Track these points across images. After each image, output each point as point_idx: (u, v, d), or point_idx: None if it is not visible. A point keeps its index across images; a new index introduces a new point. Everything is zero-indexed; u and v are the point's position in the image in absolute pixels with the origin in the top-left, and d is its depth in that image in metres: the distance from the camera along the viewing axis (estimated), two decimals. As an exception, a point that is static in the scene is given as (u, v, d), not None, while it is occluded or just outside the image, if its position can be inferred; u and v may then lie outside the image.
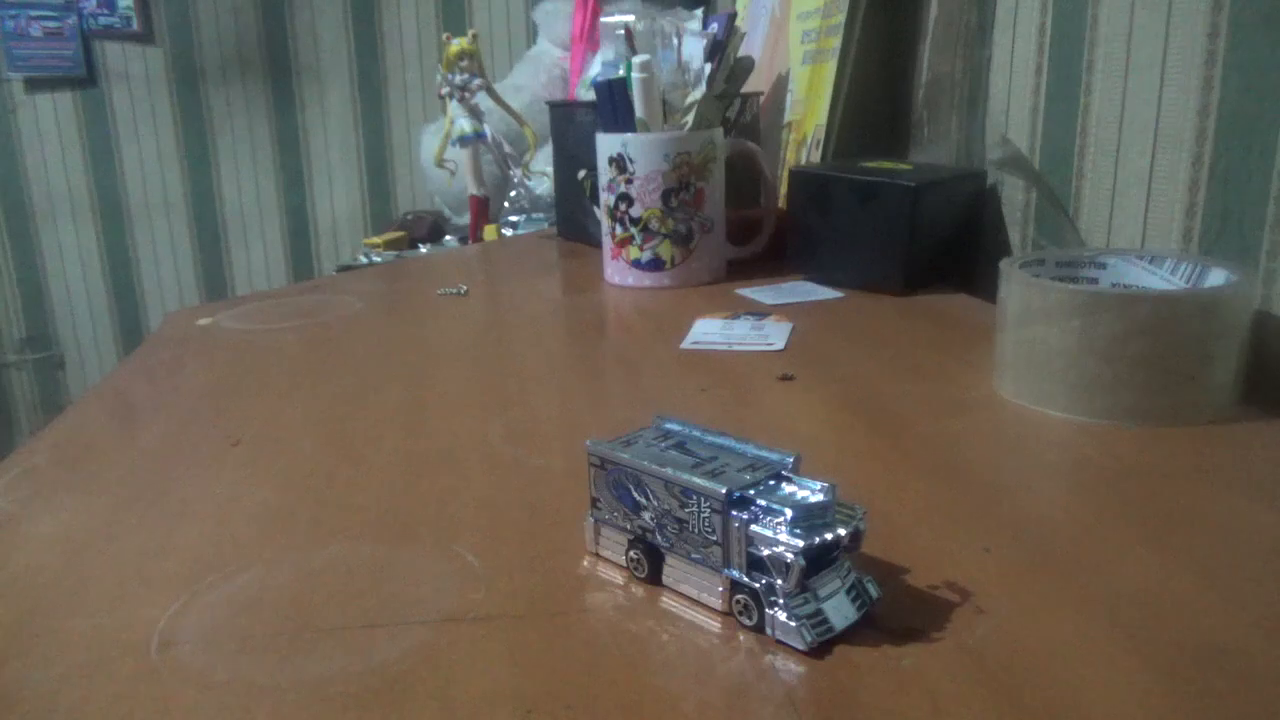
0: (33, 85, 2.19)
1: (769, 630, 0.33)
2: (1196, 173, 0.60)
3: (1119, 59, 0.66)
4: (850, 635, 0.33)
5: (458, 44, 1.40)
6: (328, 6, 2.20)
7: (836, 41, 0.91)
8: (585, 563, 0.39)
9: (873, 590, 0.34)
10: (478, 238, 1.45)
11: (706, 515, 0.34)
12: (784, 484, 0.34)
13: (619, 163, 0.84)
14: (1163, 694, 0.29)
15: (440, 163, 1.49)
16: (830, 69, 0.92)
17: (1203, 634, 0.32)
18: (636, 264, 0.86)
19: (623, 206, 0.85)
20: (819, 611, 0.33)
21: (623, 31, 0.87)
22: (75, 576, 0.39)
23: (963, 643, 0.32)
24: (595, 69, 1.29)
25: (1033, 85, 0.77)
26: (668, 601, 0.36)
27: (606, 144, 0.85)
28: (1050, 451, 0.49)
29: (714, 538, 0.34)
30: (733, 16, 0.86)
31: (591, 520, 0.39)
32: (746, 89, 0.93)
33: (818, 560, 0.33)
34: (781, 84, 1.04)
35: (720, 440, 0.38)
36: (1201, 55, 0.58)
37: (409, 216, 1.93)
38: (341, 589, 0.37)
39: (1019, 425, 0.52)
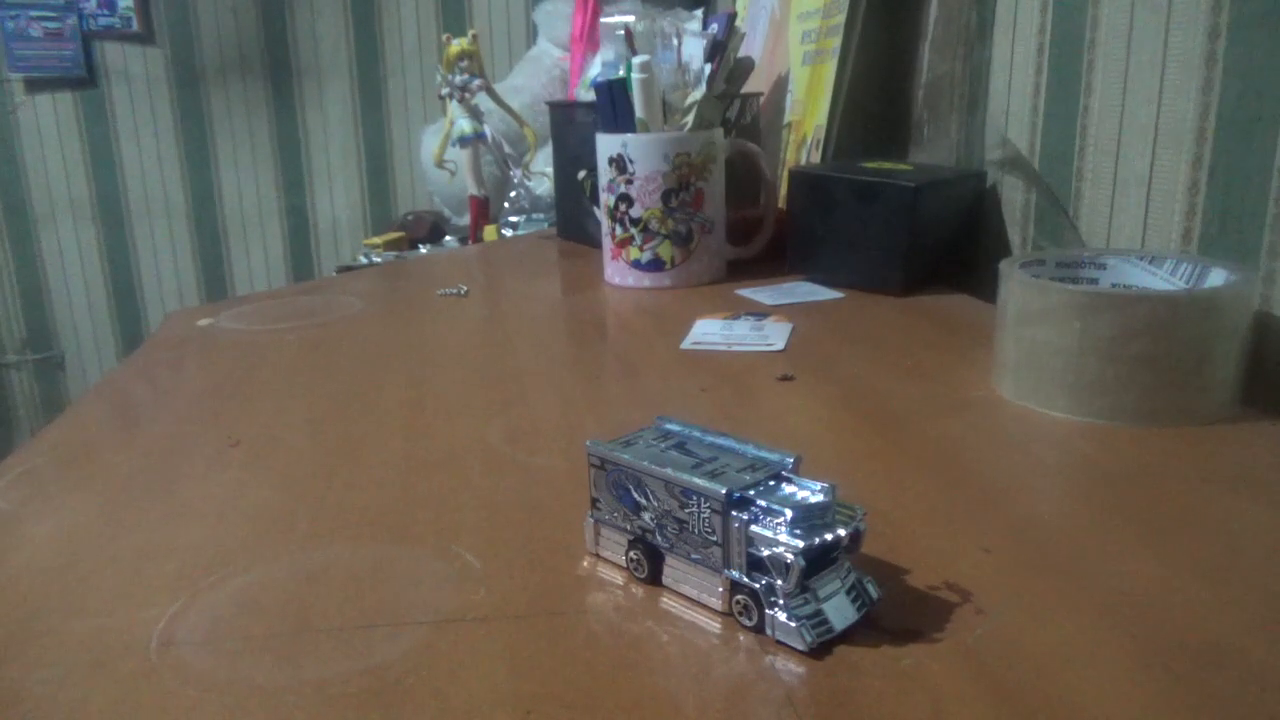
0: (33, 85, 2.19)
1: (769, 631, 0.33)
2: (1196, 173, 0.60)
3: (1119, 59, 0.66)
4: (850, 635, 0.33)
5: (458, 44, 1.40)
6: (328, 6, 2.20)
7: (836, 42, 0.91)
8: (585, 563, 0.39)
9: (873, 591, 0.34)
10: (478, 238, 1.45)
11: (706, 516, 0.34)
12: (784, 484, 0.34)
13: (619, 163, 0.84)
14: (1163, 694, 0.29)
15: (440, 163, 1.49)
16: (830, 69, 0.92)
17: (1203, 634, 0.32)
18: (636, 264, 0.86)
19: (623, 207, 0.85)
20: (819, 612, 0.33)
21: (623, 32, 0.87)
22: (75, 576, 0.39)
23: (963, 643, 0.32)
24: (595, 69, 1.29)
25: (1033, 85, 0.77)
26: (668, 602, 0.36)
27: (606, 144, 0.85)
28: (1050, 451, 0.49)
29: (714, 538, 0.34)
30: (733, 17, 0.86)
31: (591, 520, 0.39)
32: (746, 89, 0.93)
33: (818, 561, 0.33)
34: (781, 84, 1.04)
35: (720, 441, 0.38)
36: (1201, 55, 0.58)
37: (409, 217, 1.93)
38: (341, 589, 0.37)
39: (1019, 425, 0.52)
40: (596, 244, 0.94)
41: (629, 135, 0.83)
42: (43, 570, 0.40)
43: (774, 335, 0.69)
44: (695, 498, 0.34)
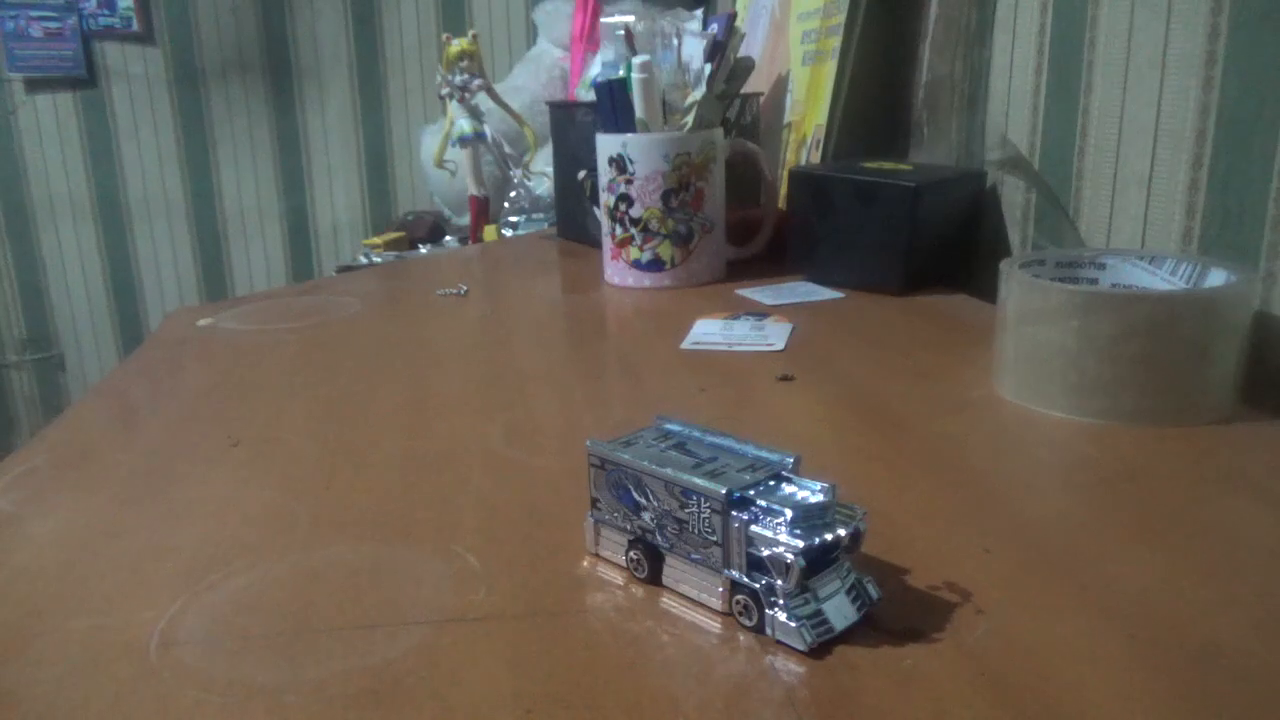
0: (33, 85, 2.19)
1: (769, 631, 0.33)
2: (1196, 173, 0.60)
3: (1119, 59, 0.66)
4: (850, 635, 0.33)
5: (458, 44, 1.40)
6: (328, 6, 2.20)
7: (836, 42, 0.91)
8: (585, 563, 0.39)
9: (873, 591, 0.34)
10: (478, 238, 1.45)
11: (706, 516, 0.34)
12: (784, 484, 0.34)
13: (619, 163, 0.84)
14: (1163, 694, 0.29)
15: (440, 163, 1.49)
16: (830, 69, 0.92)
17: (1203, 634, 0.32)
18: (636, 264, 0.86)
19: (623, 207, 0.85)
20: (819, 612, 0.33)
21: (623, 32, 0.87)
22: (75, 576, 0.39)
23: (963, 643, 0.32)
24: (595, 69, 1.29)
25: (1033, 85, 0.77)
26: (668, 602, 0.36)
27: (606, 144, 0.85)
28: (1050, 451, 0.49)
29: (714, 538, 0.34)
30: (733, 17, 0.86)
31: (591, 520, 0.39)
32: (746, 89, 0.93)
33: (818, 561, 0.33)
34: (781, 84, 1.04)
35: (720, 441, 0.38)
36: (1201, 55, 0.58)
37: (409, 217, 1.93)
38: (341, 589, 0.37)
39: (1019, 425, 0.52)
40: (596, 244, 0.94)
41: (629, 135, 0.83)
42: (43, 570, 0.40)
43: (774, 335, 0.69)
44: (695, 498, 0.34)
